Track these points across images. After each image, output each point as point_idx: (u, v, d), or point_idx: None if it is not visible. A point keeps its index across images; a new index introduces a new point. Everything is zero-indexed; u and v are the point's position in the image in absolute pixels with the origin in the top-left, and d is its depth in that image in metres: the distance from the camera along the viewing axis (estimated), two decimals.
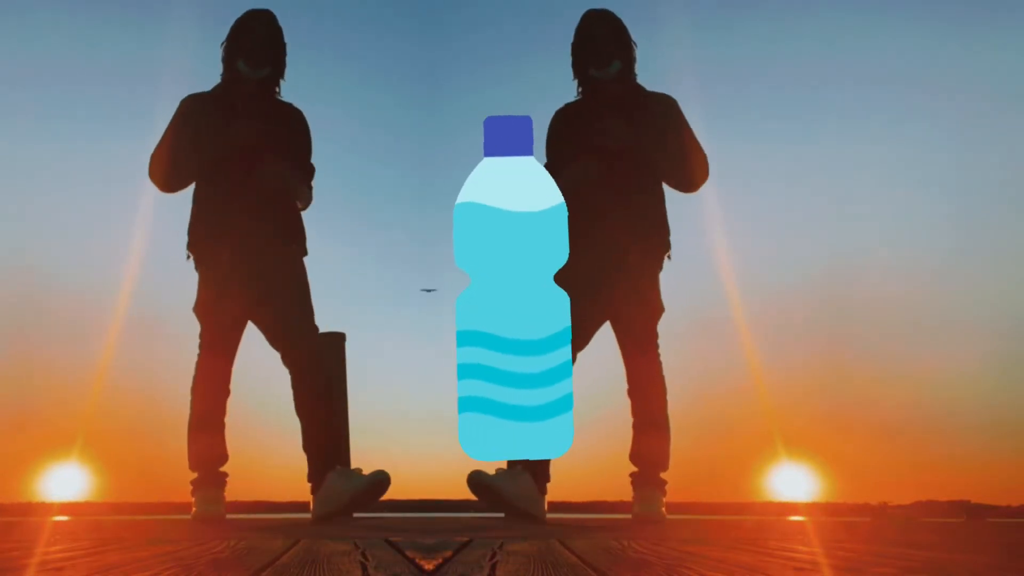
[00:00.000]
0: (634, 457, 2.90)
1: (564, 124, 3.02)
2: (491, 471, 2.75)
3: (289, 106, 3.03)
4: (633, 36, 2.99)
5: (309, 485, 2.79)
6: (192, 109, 2.93)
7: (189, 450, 2.88)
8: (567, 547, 1.40)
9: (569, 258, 2.76)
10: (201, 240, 2.89)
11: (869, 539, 1.89)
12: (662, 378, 2.91)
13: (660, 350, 2.93)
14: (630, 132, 2.84)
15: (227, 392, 2.90)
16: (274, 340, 2.85)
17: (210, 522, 2.76)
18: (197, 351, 2.90)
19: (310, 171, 3.02)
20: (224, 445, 2.90)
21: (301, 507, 3.05)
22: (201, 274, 2.90)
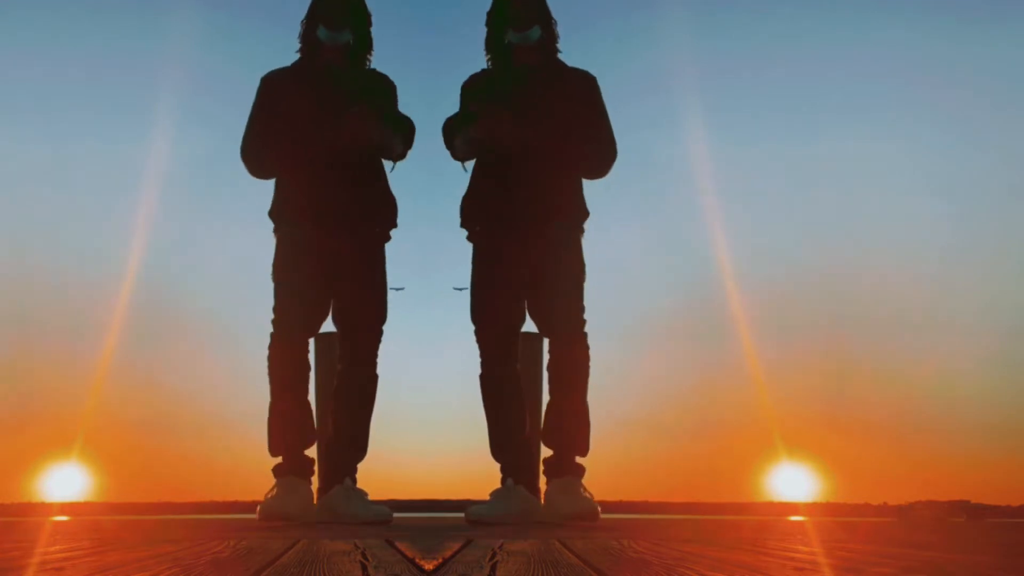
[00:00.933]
0: (548, 438, 2.78)
1: (476, 93, 2.89)
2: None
3: (374, 73, 2.90)
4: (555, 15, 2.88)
5: (317, 481, 2.74)
6: (273, 88, 2.82)
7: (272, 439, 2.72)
8: (567, 547, 1.39)
9: (486, 239, 2.67)
10: (285, 211, 2.76)
11: (869, 539, 1.89)
12: (586, 362, 2.75)
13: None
14: (522, 132, 2.70)
15: (307, 365, 2.76)
16: (339, 327, 2.78)
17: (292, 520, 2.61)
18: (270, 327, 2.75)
19: (402, 128, 2.84)
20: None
21: None
22: (284, 238, 2.77)
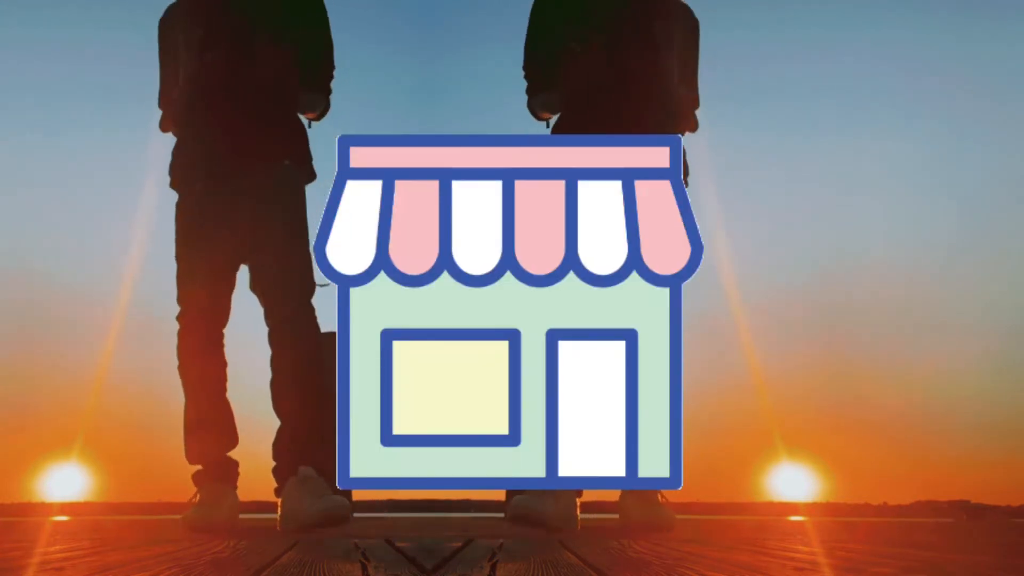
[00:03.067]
0: None
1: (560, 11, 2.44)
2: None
3: None
4: None
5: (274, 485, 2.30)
6: (166, 30, 2.40)
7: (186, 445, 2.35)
8: (567, 547, 1.39)
9: None
10: (178, 170, 2.34)
11: (869, 539, 1.89)
12: None
13: None
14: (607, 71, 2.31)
15: (223, 360, 2.35)
16: (259, 297, 2.30)
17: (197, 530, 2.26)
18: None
19: (323, 72, 2.41)
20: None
21: None
22: (179, 211, 2.33)
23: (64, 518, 3.73)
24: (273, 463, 2.30)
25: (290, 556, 1.22)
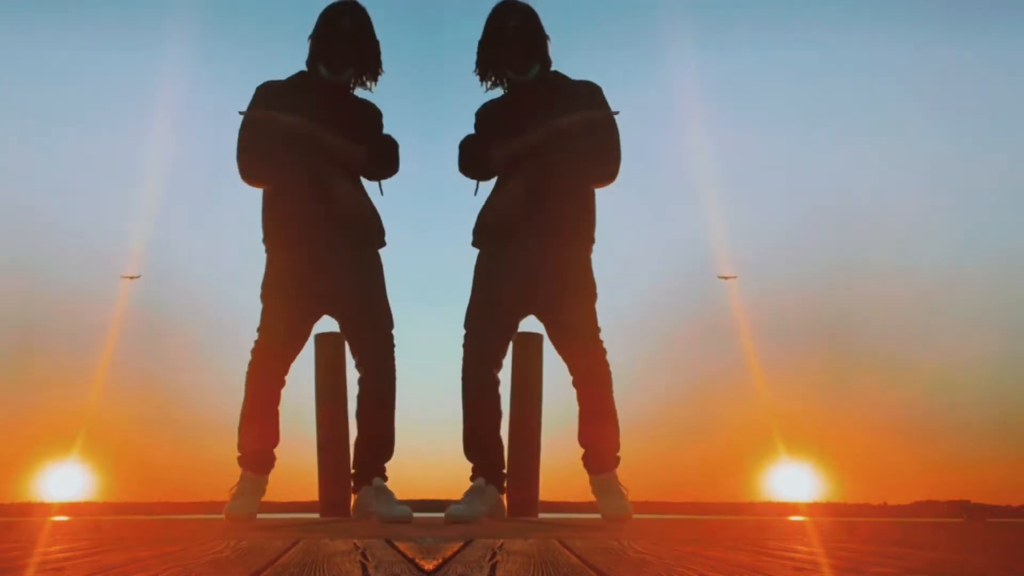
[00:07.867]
0: (582, 443, 2.89)
1: (490, 123, 3.01)
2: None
3: (363, 103, 3.04)
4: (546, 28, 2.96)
5: (352, 482, 2.92)
6: (265, 95, 2.93)
7: (241, 438, 2.91)
8: (567, 547, 1.39)
9: (494, 263, 2.72)
10: (276, 231, 2.89)
11: (869, 539, 1.89)
12: (606, 365, 2.87)
13: (612, 339, 2.91)
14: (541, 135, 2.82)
15: (282, 382, 2.92)
16: (348, 339, 2.93)
17: (238, 522, 2.78)
18: (256, 337, 2.88)
19: (384, 155, 2.98)
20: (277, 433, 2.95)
21: (301, 507, 3.07)
22: (273, 262, 2.89)
23: (64, 518, 3.73)
24: (353, 470, 2.91)
25: (290, 556, 1.22)
